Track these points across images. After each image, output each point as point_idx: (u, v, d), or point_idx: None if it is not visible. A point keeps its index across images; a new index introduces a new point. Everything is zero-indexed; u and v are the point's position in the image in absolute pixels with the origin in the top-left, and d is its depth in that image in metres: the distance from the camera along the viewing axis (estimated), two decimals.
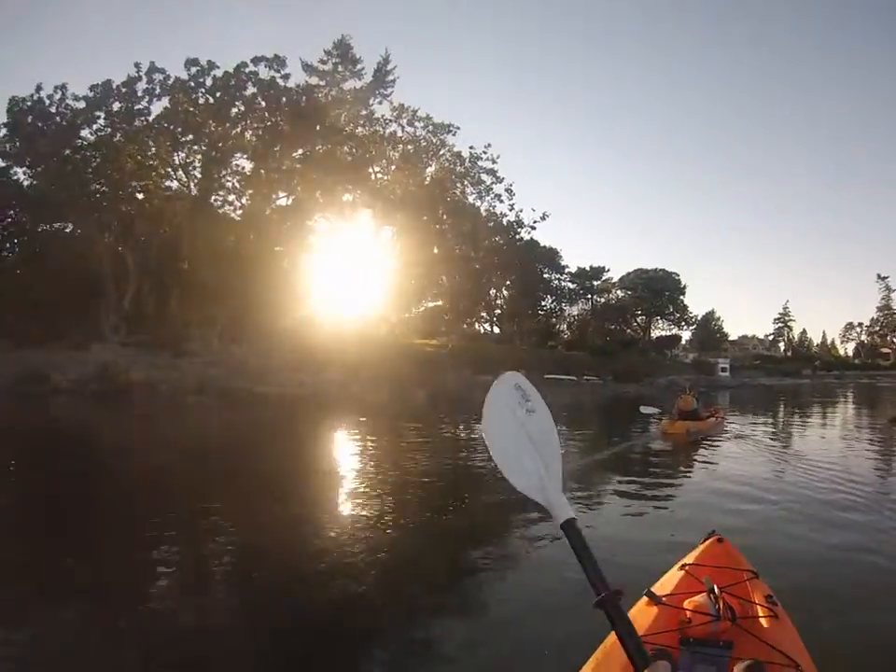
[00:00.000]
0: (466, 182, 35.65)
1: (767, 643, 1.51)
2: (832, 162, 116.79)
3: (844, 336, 78.33)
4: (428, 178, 34.15)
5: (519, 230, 37.73)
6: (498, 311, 45.90)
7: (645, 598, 1.77)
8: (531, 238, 39.83)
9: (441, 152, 34.55)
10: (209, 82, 26.56)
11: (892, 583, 3.29)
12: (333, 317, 29.31)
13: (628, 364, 38.41)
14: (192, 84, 26.39)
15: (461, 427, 12.79)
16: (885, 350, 71.90)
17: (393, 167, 32.81)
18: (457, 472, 7.20)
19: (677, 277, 54.84)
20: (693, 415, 10.03)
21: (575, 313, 53.24)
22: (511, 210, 36.73)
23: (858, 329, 76.87)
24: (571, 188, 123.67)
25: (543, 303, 49.00)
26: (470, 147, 34.71)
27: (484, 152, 34.39)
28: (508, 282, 43.47)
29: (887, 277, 71.11)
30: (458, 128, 34.22)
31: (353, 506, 5.33)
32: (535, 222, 37.48)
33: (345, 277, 32.11)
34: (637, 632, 1.35)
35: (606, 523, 4.21)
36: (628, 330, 54.06)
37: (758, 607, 1.77)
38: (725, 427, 11.40)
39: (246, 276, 23.60)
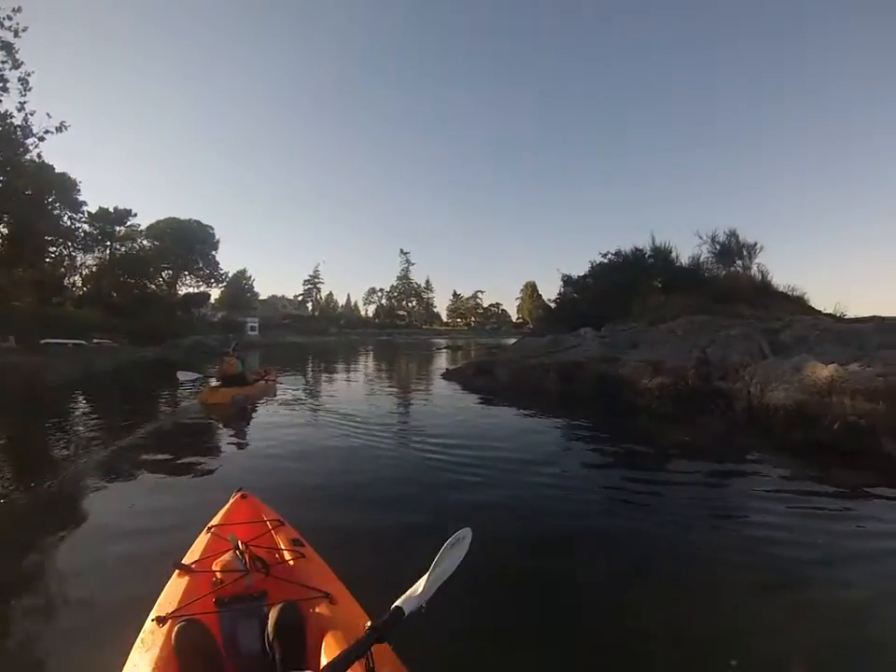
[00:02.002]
0: None
1: (299, 583, 1.61)
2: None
3: (367, 299, 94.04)
4: None
5: (25, 141, 24.97)
6: None
7: (176, 571, 1.74)
8: (41, 160, 27.60)
9: None
10: None
11: (383, 497, 4.13)
12: None
13: (149, 324, 33.91)
14: None
15: None
16: (401, 312, 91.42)
17: None
18: None
19: (211, 231, 50.48)
20: (240, 380, 8.98)
21: (90, 263, 42.06)
22: (20, 111, 24.02)
23: (379, 294, 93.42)
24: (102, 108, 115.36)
25: (53, 249, 36.60)
26: None
27: (10, 17, 21.72)
28: (5, 217, 30.33)
29: (408, 252, 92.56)
30: None
31: None
32: (46, 133, 24.75)
33: None
34: (173, 606, 1.52)
35: (133, 507, 3.80)
36: (152, 286, 46.06)
37: (286, 552, 1.86)
38: (277, 392, 10.48)
39: None
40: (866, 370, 6.20)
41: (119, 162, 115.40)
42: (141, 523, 3.47)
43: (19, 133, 24.74)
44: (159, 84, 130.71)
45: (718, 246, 16.77)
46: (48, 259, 36.16)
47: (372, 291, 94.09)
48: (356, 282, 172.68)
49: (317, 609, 1.50)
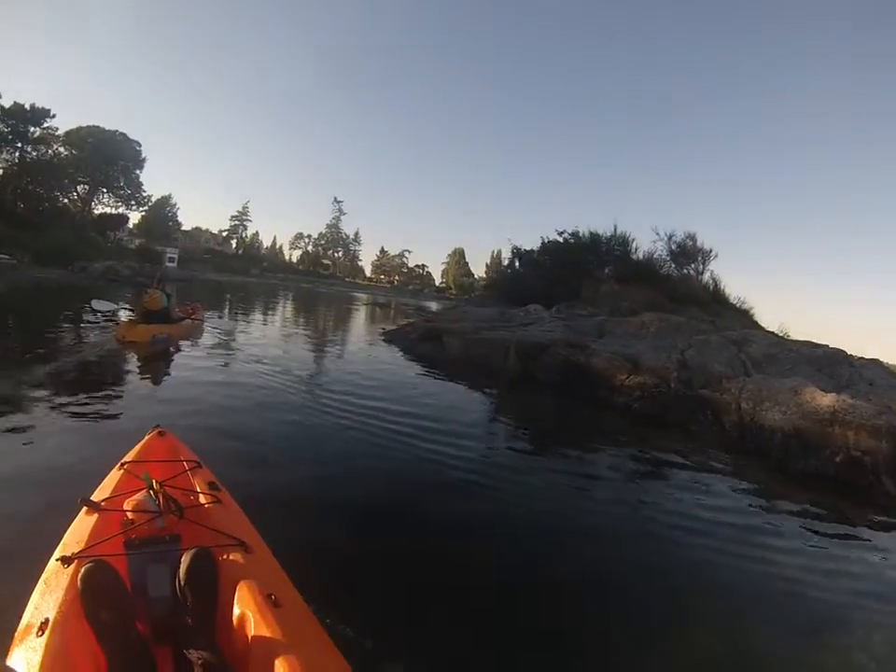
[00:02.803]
0: None
1: (213, 529, 1.54)
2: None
3: (293, 244, 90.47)
4: None
5: None
6: None
7: (84, 508, 1.64)
8: None
9: None
10: None
11: (303, 449, 3.98)
12: None
13: (57, 242, 29.56)
14: None
15: None
16: (326, 262, 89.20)
17: None
18: None
19: (138, 147, 44.65)
20: (163, 317, 7.85)
21: None
22: None
23: (306, 240, 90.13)
24: None
25: None
26: None
27: None
28: None
29: (341, 201, 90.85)
30: None
31: None
32: None
33: None
34: (80, 545, 1.44)
35: (34, 442, 3.38)
36: (64, 200, 41.07)
37: (202, 495, 1.78)
38: (204, 330, 9.36)
39: None
40: (866, 404, 5.96)
41: (42, 47, 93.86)
42: (44, 458, 3.14)
43: None
44: None
45: (674, 246, 16.64)
46: None
47: (300, 237, 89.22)
48: (283, 225, 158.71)
49: (231, 557, 1.45)
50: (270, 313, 19.09)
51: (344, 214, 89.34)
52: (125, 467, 1.93)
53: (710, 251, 16.60)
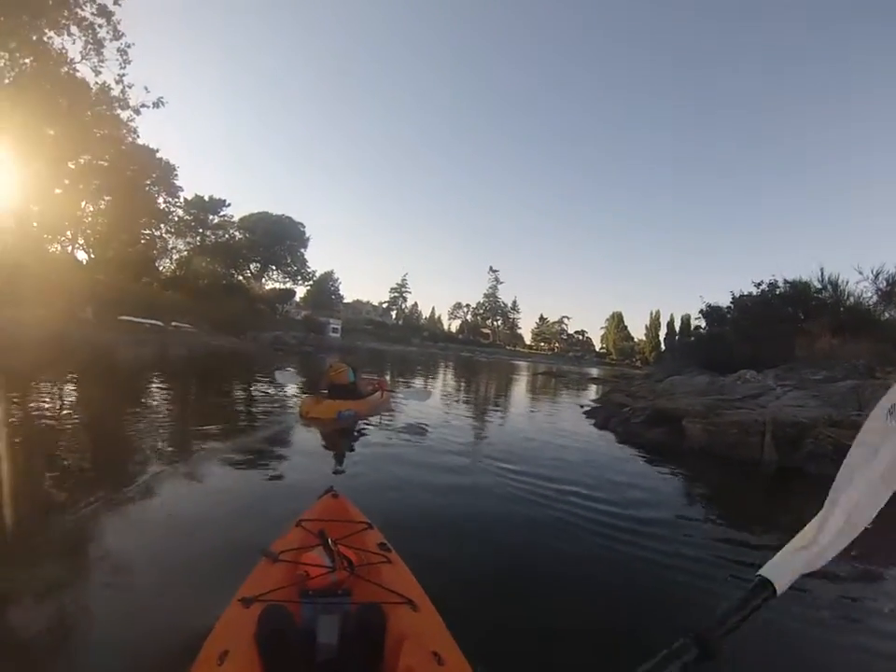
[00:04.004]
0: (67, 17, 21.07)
1: (382, 586, 1.58)
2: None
3: (452, 314, 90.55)
4: None
5: (121, 112, 24.99)
6: (89, 231, 32.91)
7: (263, 559, 1.74)
8: (144, 143, 28.65)
9: None
10: None
11: (479, 524, 3.62)
12: None
13: (232, 313, 32.22)
14: None
15: None
16: (485, 330, 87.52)
17: None
18: None
19: (302, 228, 50.40)
20: (350, 392, 7.23)
21: (182, 247, 41.86)
22: (118, 83, 23.71)
23: (465, 309, 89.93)
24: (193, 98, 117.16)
25: (147, 231, 36.64)
26: None
27: None
28: (106, 196, 30.51)
29: (497, 270, 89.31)
30: None
31: None
32: (143, 106, 24.55)
33: None
34: (259, 590, 1.53)
35: (220, 501, 3.55)
36: (239, 276, 45.75)
37: (372, 555, 1.83)
38: (392, 407, 8.67)
39: None
40: None
41: (215, 152, 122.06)
42: (230, 513, 3.31)
43: (116, 106, 24.13)
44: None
45: (883, 285, 13.44)
46: (143, 241, 36.11)
47: (458, 306, 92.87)
48: (442, 295, 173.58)
49: (399, 614, 1.46)
50: (443, 384, 18.22)
51: (501, 283, 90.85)
52: (302, 524, 2.02)
53: None
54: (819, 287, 14.78)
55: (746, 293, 16.20)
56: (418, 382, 16.99)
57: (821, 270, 14.81)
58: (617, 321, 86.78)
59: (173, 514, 3.19)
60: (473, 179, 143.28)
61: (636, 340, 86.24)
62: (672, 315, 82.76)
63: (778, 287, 15.52)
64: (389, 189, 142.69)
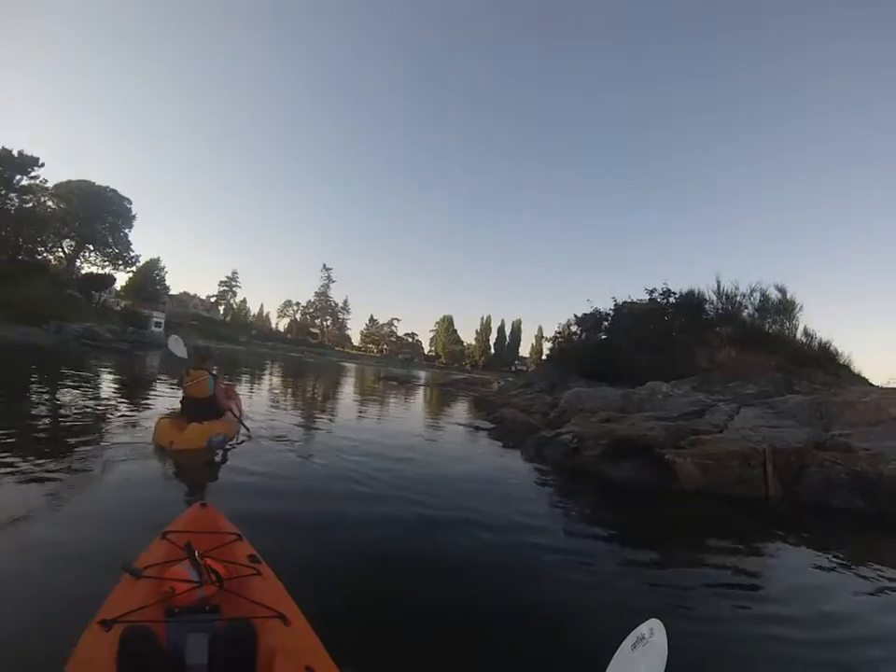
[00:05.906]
0: None
1: (253, 600, 1.53)
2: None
3: (281, 312, 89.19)
4: None
5: None
6: None
7: (125, 575, 1.62)
8: None
9: None
10: None
11: (349, 531, 3.46)
12: None
13: (31, 298, 27.02)
14: None
15: None
16: (314, 330, 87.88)
17: None
18: None
19: (129, 205, 43.87)
20: (211, 408, 5.38)
21: None
22: None
23: (295, 308, 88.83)
24: None
25: None
26: None
27: None
28: None
29: (331, 269, 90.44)
30: None
31: None
32: None
33: None
34: (120, 611, 1.40)
35: (72, 512, 3.09)
36: (48, 256, 38.79)
37: (242, 567, 1.77)
38: (246, 417, 6.60)
39: None
40: None
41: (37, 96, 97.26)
42: (86, 528, 2.94)
43: None
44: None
45: (763, 300, 15.00)
46: None
47: (288, 304, 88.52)
48: (272, 290, 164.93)
49: (270, 629, 1.45)
50: (287, 389, 15.93)
51: (334, 281, 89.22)
52: (167, 536, 1.90)
53: (798, 304, 15.16)
54: (715, 297, 15.63)
55: (633, 300, 16.47)
56: (264, 393, 13.45)
57: (717, 282, 15.68)
58: (447, 324, 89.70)
59: (18, 532, 2.73)
60: (308, 169, 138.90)
61: (465, 344, 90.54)
62: (503, 320, 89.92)
63: (673, 295, 15.89)
64: (223, 178, 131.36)
